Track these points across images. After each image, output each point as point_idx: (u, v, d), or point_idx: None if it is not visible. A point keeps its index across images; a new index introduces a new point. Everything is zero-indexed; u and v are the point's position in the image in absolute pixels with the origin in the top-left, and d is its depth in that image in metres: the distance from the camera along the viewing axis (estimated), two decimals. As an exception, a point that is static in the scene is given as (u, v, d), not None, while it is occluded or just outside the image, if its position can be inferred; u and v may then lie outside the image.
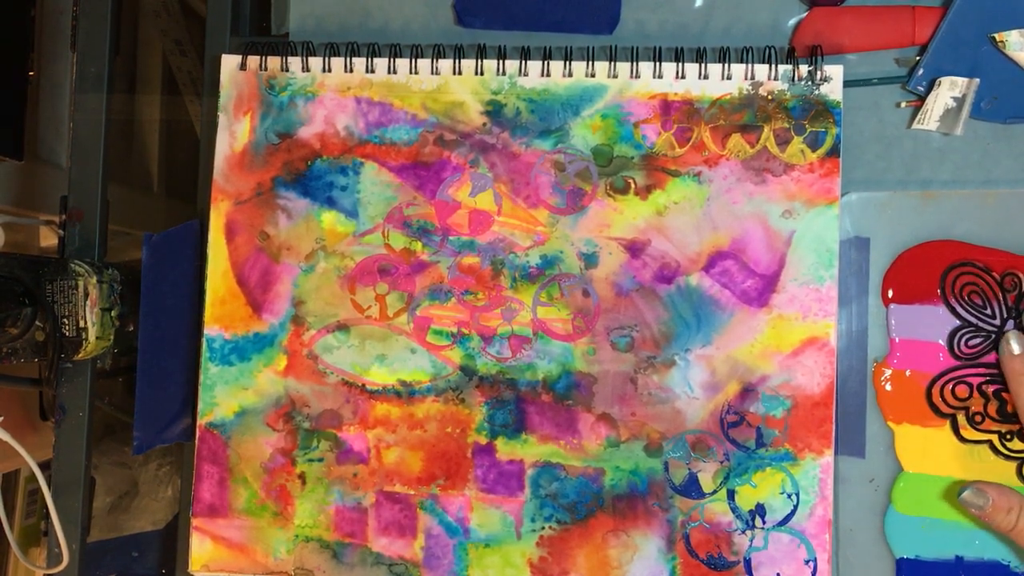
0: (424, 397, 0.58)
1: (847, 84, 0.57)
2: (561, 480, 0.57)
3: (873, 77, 0.58)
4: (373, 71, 0.59)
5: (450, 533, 0.58)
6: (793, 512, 0.56)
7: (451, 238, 0.58)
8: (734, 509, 0.56)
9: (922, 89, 0.57)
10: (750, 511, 0.56)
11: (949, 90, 0.56)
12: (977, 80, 0.55)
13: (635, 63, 0.57)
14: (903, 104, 0.58)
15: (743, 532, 0.56)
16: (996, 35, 0.55)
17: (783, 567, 0.56)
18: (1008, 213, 0.56)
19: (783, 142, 0.56)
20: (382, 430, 0.58)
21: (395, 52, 0.59)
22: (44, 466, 0.62)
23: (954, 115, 0.56)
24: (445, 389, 0.58)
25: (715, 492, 0.56)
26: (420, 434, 0.58)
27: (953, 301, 0.56)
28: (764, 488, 0.56)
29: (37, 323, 0.57)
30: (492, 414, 0.58)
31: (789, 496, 0.56)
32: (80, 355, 0.60)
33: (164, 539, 0.78)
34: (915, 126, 0.57)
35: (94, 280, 0.60)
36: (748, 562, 0.56)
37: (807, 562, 0.56)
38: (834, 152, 0.56)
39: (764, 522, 0.56)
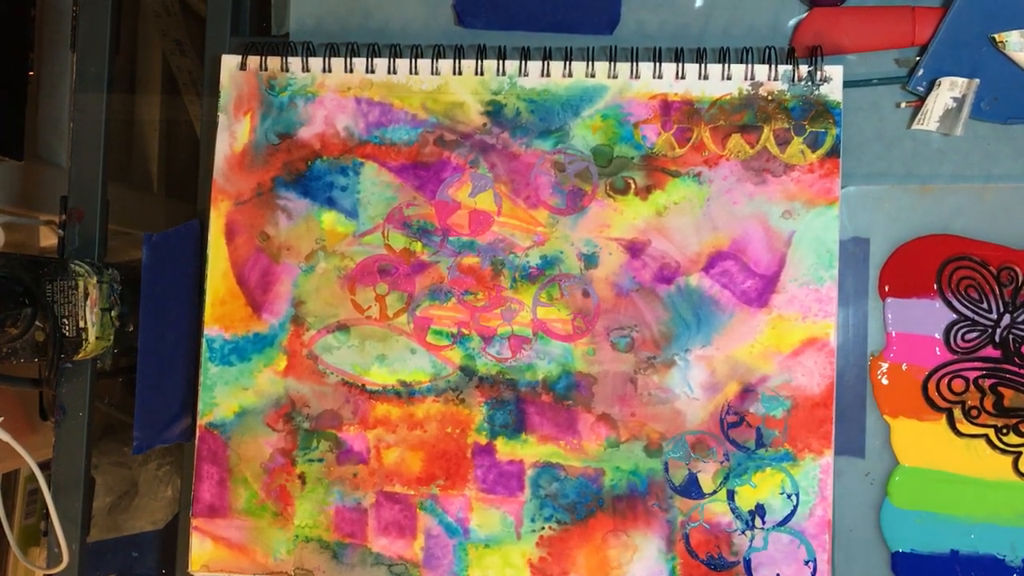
0: (424, 397, 0.58)
1: (847, 84, 0.57)
2: (561, 480, 0.57)
3: (873, 77, 0.58)
4: (373, 71, 0.59)
5: (450, 533, 0.58)
6: (793, 512, 0.56)
7: (451, 238, 0.58)
8: (734, 509, 0.56)
9: (922, 89, 0.57)
10: (750, 511, 0.56)
11: (949, 90, 0.56)
12: (977, 80, 0.55)
13: (635, 63, 0.57)
14: (903, 104, 0.58)
15: (743, 532, 0.56)
16: (996, 36, 0.55)
17: (783, 567, 0.56)
18: (1005, 208, 0.56)
19: (783, 142, 0.56)
20: (382, 430, 0.58)
21: (395, 52, 0.59)
22: (44, 466, 0.62)
23: (954, 116, 0.56)
24: (445, 389, 0.58)
25: (715, 492, 0.56)
26: (420, 434, 0.58)
27: (950, 295, 0.56)
28: (764, 488, 0.56)
29: (37, 323, 0.57)
30: (492, 414, 0.58)
31: (789, 496, 0.56)
32: (80, 355, 0.60)
33: (164, 539, 0.78)
34: (915, 126, 0.57)
35: (94, 280, 0.60)
36: (748, 562, 0.56)
37: (807, 562, 0.56)
38: (834, 152, 0.56)
39: (764, 522, 0.56)
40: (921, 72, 0.57)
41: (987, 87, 0.56)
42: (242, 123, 0.59)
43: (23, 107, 0.75)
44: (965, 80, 0.55)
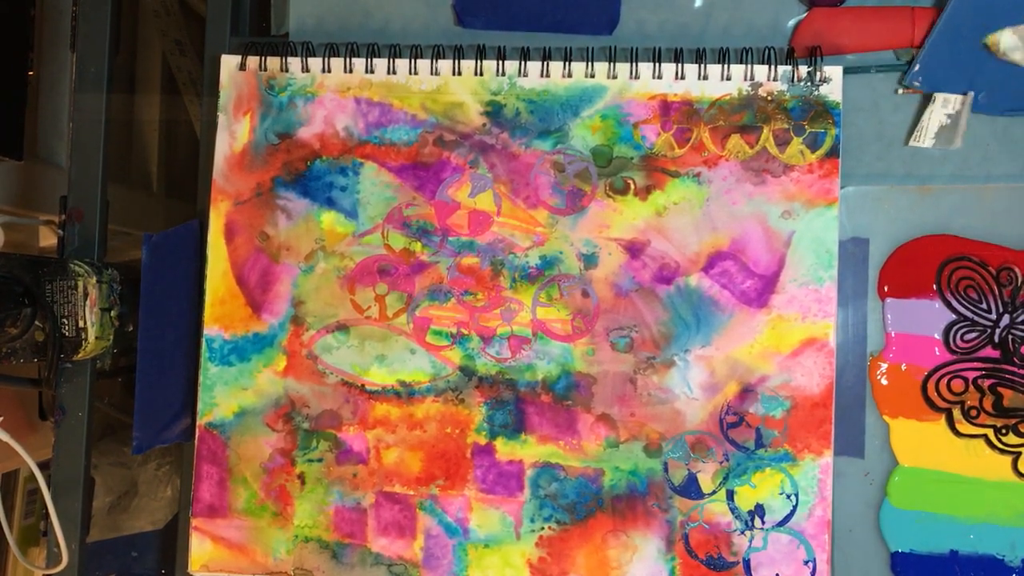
0: (423, 397, 0.58)
1: (847, 71, 0.56)
2: (560, 480, 0.57)
3: (872, 74, 0.58)
4: (373, 71, 0.59)
5: (449, 533, 0.58)
6: (792, 513, 0.56)
7: (451, 238, 0.58)
8: (733, 509, 0.56)
9: (917, 84, 0.57)
10: (749, 511, 0.56)
11: (943, 107, 0.56)
12: (971, 95, 0.55)
13: (635, 64, 0.57)
14: (900, 91, 0.57)
15: (742, 532, 0.56)
16: (987, 40, 0.55)
17: (782, 567, 0.56)
18: (1005, 208, 0.56)
19: (782, 143, 0.56)
20: (381, 430, 0.58)
21: (395, 52, 0.59)
22: (44, 466, 0.62)
23: (950, 131, 0.56)
24: (444, 389, 0.58)
25: (714, 492, 0.56)
26: (419, 434, 0.58)
27: (949, 295, 0.56)
28: (763, 488, 0.56)
29: (37, 323, 0.57)
30: (491, 414, 0.58)
31: (788, 497, 0.56)
32: (80, 355, 0.60)
33: (164, 539, 0.78)
34: (912, 143, 0.57)
35: (94, 280, 0.60)
36: (747, 562, 0.56)
37: (806, 563, 0.56)
38: (833, 153, 0.56)
39: (763, 522, 0.56)
40: (917, 67, 0.56)
41: (984, 80, 0.56)
42: (242, 123, 0.59)
43: (23, 107, 0.75)
44: (959, 96, 0.56)
